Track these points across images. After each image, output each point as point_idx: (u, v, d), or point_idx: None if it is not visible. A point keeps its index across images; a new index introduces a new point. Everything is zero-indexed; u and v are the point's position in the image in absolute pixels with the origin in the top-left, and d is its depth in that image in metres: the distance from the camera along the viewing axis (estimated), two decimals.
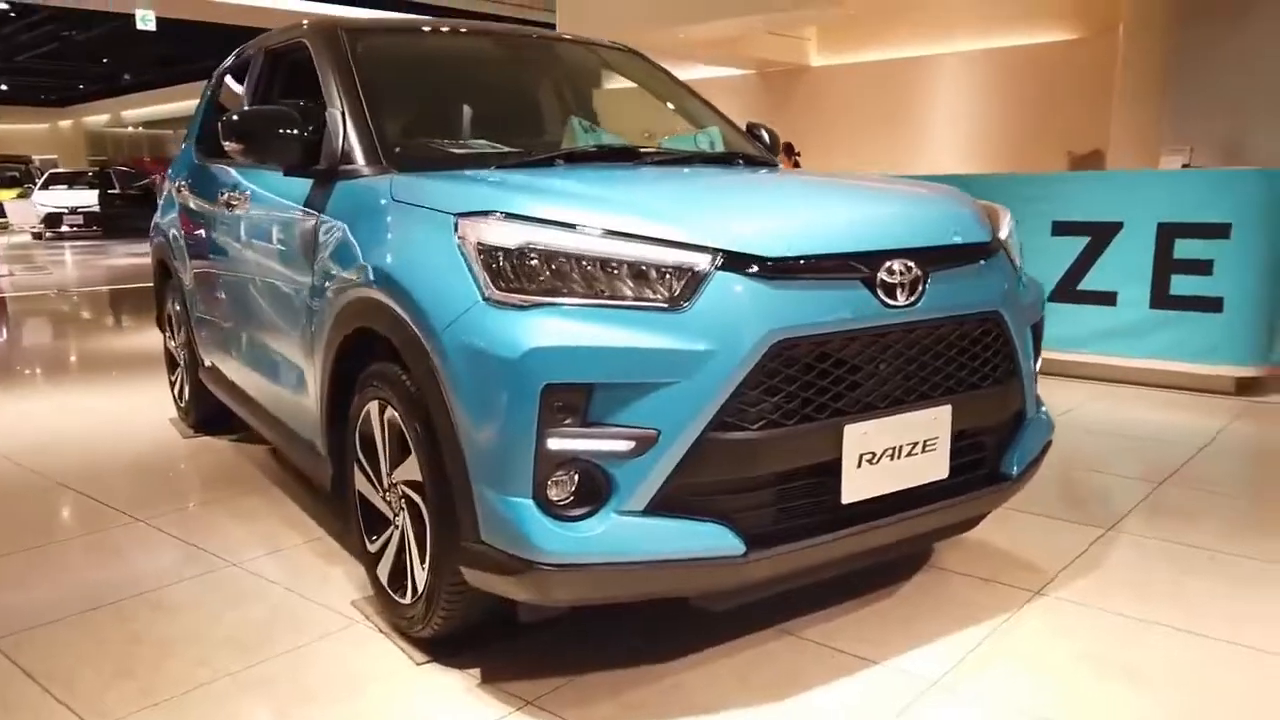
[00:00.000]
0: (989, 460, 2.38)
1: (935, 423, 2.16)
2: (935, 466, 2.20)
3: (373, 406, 2.33)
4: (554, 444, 1.85)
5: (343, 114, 2.67)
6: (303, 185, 2.74)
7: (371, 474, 2.42)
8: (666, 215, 1.99)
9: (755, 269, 1.93)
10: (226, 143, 2.64)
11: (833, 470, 2.03)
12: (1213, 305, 4.95)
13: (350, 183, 2.54)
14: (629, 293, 1.88)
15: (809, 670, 2.20)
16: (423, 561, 2.20)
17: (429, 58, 3.27)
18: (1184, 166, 5.55)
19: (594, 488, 1.89)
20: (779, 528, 2.01)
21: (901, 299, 2.07)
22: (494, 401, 1.86)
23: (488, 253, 1.95)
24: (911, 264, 2.09)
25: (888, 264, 2.06)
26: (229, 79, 4.16)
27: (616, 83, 3.59)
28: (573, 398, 1.84)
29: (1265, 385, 5.16)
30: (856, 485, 2.06)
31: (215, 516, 3.32)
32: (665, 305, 1.87)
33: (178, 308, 4.33)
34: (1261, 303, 4.89)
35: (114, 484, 3.73)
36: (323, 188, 2.63)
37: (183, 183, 4.16)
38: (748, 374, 1.88)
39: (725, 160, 3.08)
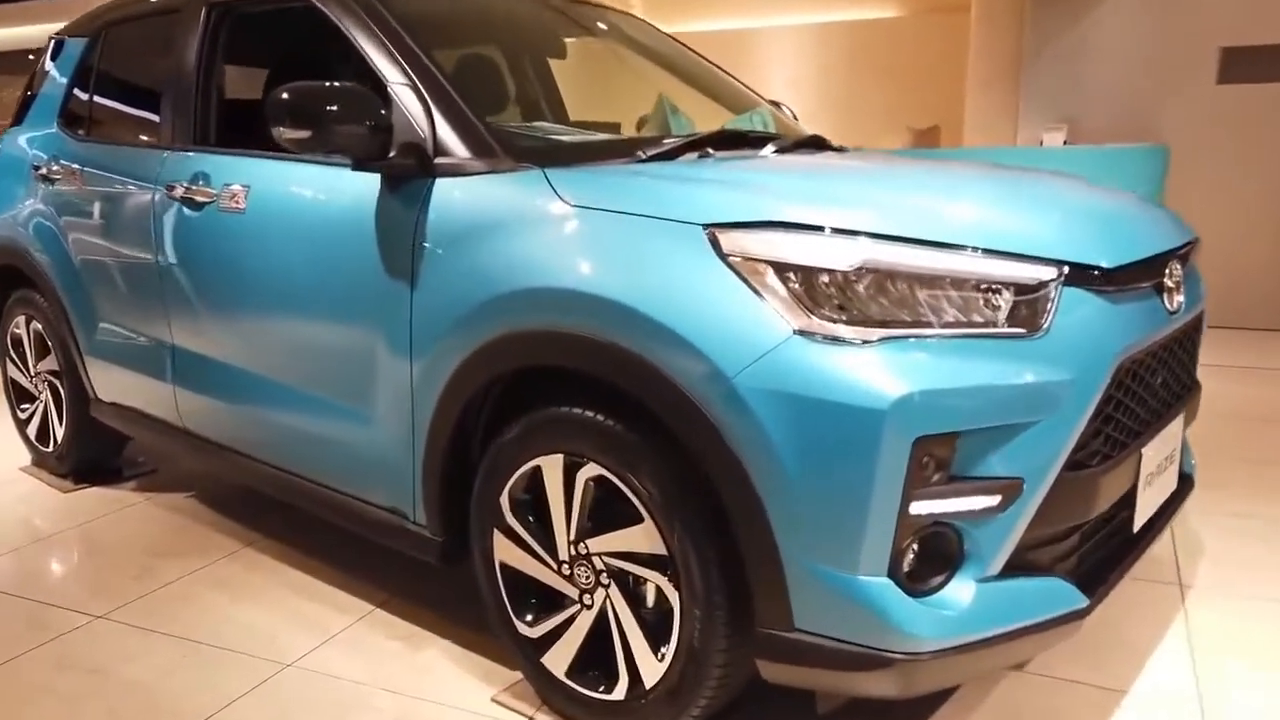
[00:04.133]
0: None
1: (1177, 432, 2.05)
2: (1173, 478, 2.09)
3: (548, 463, 1.87)
4: (918, 508, 1.52)
5: (418, 91, 2.11)
6: (367, 182, 2.15)
7: (538, 543, 1.95)
8: (999, 224, 1.69)
9: (1097, 281, 1.70)
10: (280, 128, 2.00)
11: (1130, 498, 1.85)
12: None
13: (468, 181, 2.01)
14: (982, 319, 1.58)
15: (1061, 708, 2.03)
16: (656, 649, 1.80)
17: (472, 19, 2.70)
18: (1065, 144, 5.91)
19: (943, 553, 1.59)
20: (1092, 569, 1.81)
21: (1174, 303, 1.92)
22: (837, 462, 1.51)
23: (797, 274, 1.57)
24: (1179, 265, 1.95)
25: (1169, 266, 1.90)
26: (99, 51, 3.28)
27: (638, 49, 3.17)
28: (942, 450, 1.53)
29: None
30: (1144, 510, 1.91)
31: (203, 597, 2.62)
32: (1024, 331, 1.59)
33: (46, 328, 3.41)
34: None
35: (20, 570, 2.87)
36: (408, 186, 2.07)
37: (59, 168, 3.25)
38: (1099, 402, 1.65)
39: (822, 146, 2.78)
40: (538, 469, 1.90)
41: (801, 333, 1.54)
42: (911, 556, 1.56)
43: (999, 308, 1.59)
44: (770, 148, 2.45)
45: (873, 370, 1.50)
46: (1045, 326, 1.60)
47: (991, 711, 2.01)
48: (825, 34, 9.40)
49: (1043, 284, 1.61)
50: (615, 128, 2.90)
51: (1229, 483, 3.35)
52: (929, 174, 2.24)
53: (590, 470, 1.81)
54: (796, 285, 1.57)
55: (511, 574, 2.02)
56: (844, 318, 1.55)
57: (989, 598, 1.59)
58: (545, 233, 1.85)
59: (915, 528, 1.54)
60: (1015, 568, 1.64)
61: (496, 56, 3.00)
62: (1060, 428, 1.60)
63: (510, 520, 1.98)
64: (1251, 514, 3.08)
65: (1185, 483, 2.27)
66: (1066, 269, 1.64)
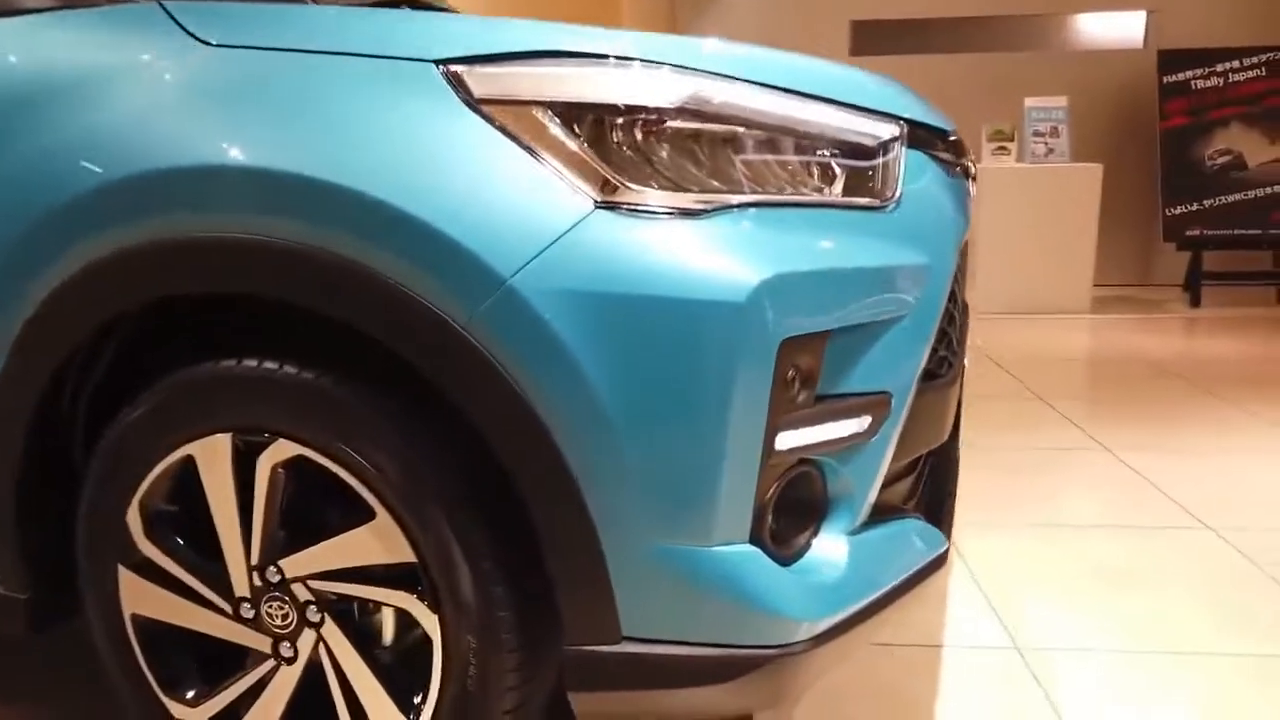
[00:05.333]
0: None
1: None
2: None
3: (207, 449, 1.21)
4: (785, 440, 1.09)
5: None
6: None
7: (197, 577, 1.27)
8: (828, 75, 1.29)
9: (938, 147, 1.38)
10: None
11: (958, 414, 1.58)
12: None
13: (33, 22, 1.27)
14: (826, 186, 1.18)
15: (891, 677, 1.73)
16: (407, 702, 1.21)
17: None
18: None
19: (807, 501, 1.18)
20: (931, 501, 1.50)
21: (974, 193, 1.68)
22: (676, 386, 1.03)
23: (594, 121, 1.07)
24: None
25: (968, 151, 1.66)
26: None
27: None
28: (809, 358, 1.11)
29: None
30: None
31: None
32: (877, 202, 1.21)
33: None
34: None
35: None
36: None
37: None
38: (949, 292, 1.33)
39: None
40: (189, 461, 1.23)
41: (607, 205, 1.05)
42: (773, 511, 1.13)
43: (840, 173, 1.20)
44: None
45: (719, 250, 1.05)
46: (894, 198, 1.24)
47: (819, 697, 1.66)
48: None
49: (890, 141, 1.25)
50: None
51: None
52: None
53: (279, 451, 1.18)
54: (593, 137, 1.07)
55: (154, 630, 1.31)
56: (662, 183, 1.08)
57: (861, 554, 1.20)
58: (175, 88, 1.18)
59: (780, 470, 1.12)
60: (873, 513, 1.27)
61: None
62: (922, 325, 1.24)
63: (146, 548, 1.28)
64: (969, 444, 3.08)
65: None
66: (905, 127, 1.30)
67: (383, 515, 1.15)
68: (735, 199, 1.09)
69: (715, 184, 1.09)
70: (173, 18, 1.22)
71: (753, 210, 1.09)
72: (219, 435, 1.21)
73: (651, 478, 1.05)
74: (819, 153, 1.18)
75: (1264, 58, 6.28)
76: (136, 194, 1.14)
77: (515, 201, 1.06)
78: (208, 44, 1.19)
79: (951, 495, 1.58)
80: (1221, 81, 6.32)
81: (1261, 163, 6.28)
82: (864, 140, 1.21)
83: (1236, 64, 6.30)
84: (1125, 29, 7.17)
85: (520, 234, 1.04)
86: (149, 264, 1.16)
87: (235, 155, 1.11)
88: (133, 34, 1.23)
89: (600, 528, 1.07)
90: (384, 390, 1.15)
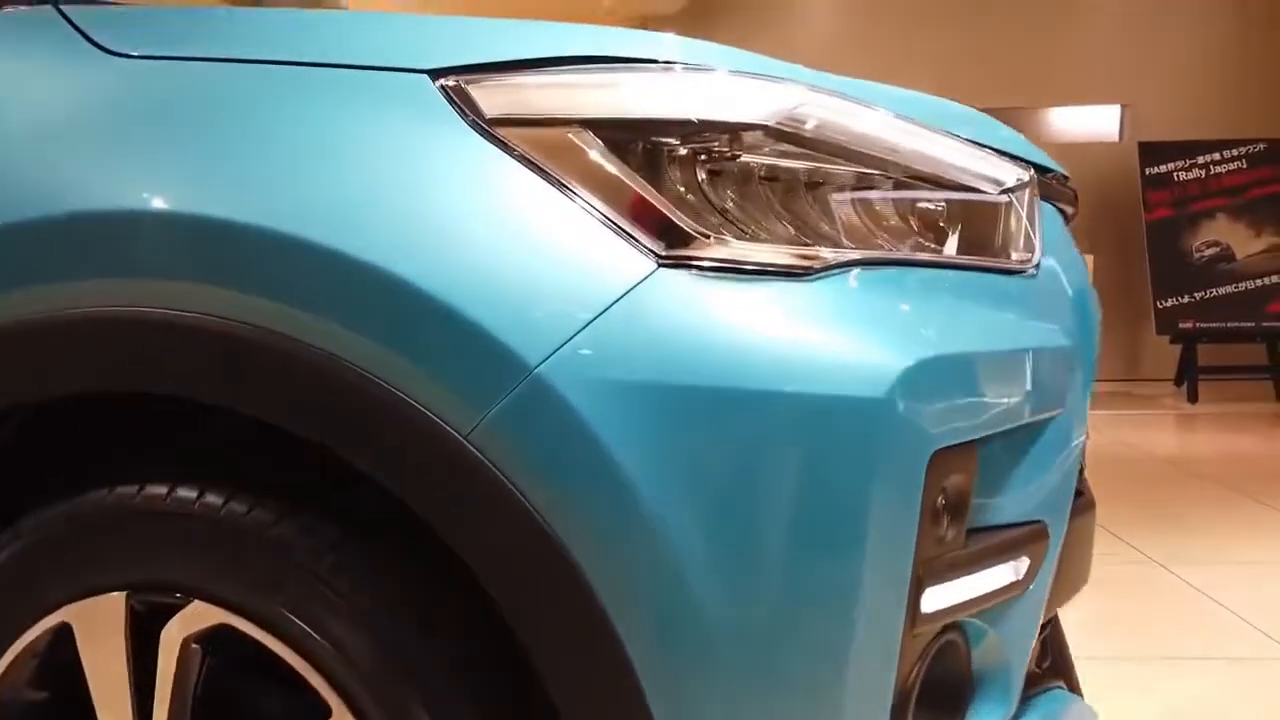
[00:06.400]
0: None
1: None
2: None
3: (88, 615, 0.85)
4: (932, 599, 0.76)
5: None
6: None
7: None
8: (945, 108, 0.99)
9: (1064, 199, 1.09)
10: None
11: None
12: None
13: None
14: (957, 245, 0.88)
15: None
16: None
17: None
18: None
19: (952, 683, 0.84)
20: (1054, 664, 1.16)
21: None
22: (780, 522, 0.70)
23: (650, 146, 0.76)
24: None
25: None
26: None
27: None
28: (961, 480, 0.78)
29: None
30: None
31: None
32: (1020, 266, 0.91)
33: None
34: None
35: None
36: None
37: None
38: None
39: None
40: (64, 630, 0.86)
41: (674, 262, 0.73)
42: (914, 704, 0.79)
43: (969, 227, 0.90)
44: None
45: (838, 325, 0.73)
46: (1036, 260, 0.94)
47: None
48: None
49: (1026, 187, 0.95)
50: None
51: None
52: None
53: (195, 618, 0.82)
54: (651, 167, 0.76)
55: None
56: (747, 232, 0.77)
57: None
58: (69, 110, 0.86)
59: (924, 641, 0.78)
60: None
61: None
62: (1074, 430, 0.94)
63: None
64: None
65: None
66: (1034, 174, 1.00)
67: (341, 713, 0.79)
68: (847, 255, 0.78)
69: (820, 233, 0.78)
70: (72, 24, 0.91)
71: (872, 271, 0.78)
72: (110, 594, 0.84)
73: (743, 661, 0.71)
74: (943, 200, 0.88)
75: (1244, 150, 6.26)
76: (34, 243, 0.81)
77: (544, 259, 0.74)
78: (121, 55, 0.87)
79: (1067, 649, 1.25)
80: (1204, 173, 6.27)
81: (1250, 254, 6.19)
82: (1000, 185, 0.91)
83: (1218, 156, 6.27)
84: (1100, 123, 7.18)
85: (552, 304, 0.72)
86: (15, 351, 0.82)
87: (147, 198, 0.79)
88: (17, 44, 0.91)
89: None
90: (348, 531, 0.80)
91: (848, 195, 0.82)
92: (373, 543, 0.80)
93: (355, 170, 0.78)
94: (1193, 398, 6.02)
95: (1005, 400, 0.81)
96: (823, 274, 0.75)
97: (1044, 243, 0.95)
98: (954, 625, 0.81)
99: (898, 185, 0.84)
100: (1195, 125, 6.48)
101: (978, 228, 0.89)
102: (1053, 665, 1.11)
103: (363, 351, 0.73)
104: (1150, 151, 6.33)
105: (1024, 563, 0.84)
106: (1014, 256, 0.89)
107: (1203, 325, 6.11)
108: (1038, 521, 0.86)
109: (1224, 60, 6.87)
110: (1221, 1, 6.89)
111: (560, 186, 0.75)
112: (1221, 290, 6.13)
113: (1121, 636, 2.25)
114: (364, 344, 0.74)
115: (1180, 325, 6.15)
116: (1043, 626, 1.12)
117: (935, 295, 0.81)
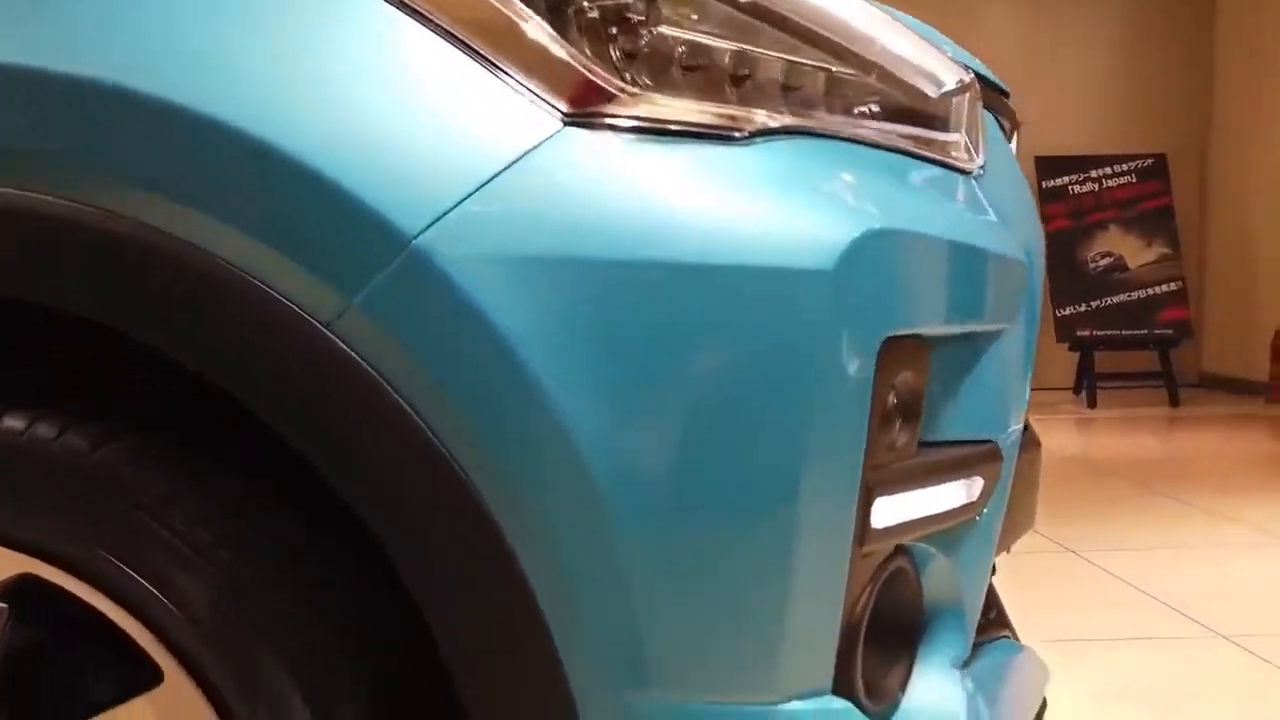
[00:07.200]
0: None
1: None
2: None
3: None
4: (884, 512, 0.65)
5: None
6: None
7: None
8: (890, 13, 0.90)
9: (1003, 114, 1.02)
10: None
11: None
12: None
13: None
14: (905, 125, 0.78)
15: None
16: None
17: None
18: None
19: (903, 614, 0.73)
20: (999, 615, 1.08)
21: None
22: (708, 414, 0.59)
23: None
24: None
25: None
26: None
27: None
28: (914, 377, 0.68)
29: None
30: None
31: None
32: (963, 164, 0.82)
33: None
34: None
35: None
36: None
37: None
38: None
39: None
40: None
41: (582, 119, 0.62)
42: (865, 633, 0.68)
43: (914, 118, 0.81)
44: None
45: (776, 192, 0.63)
46: (980, 164, 0.85)
47: None
48: None
49: (969, 88, 0.86)
50: None
51: None
52: None
53: None
54: (555, 15, 0.65)
55: None
56: (669, 89, 0.66)
57: (982, 703, 0.76)
58: None
59: (875, 563, 0.67)
60: None
61: None
62: (1025, 348, 0.85)
63: None
64: None
65: None
66: (975, 80, 0.92)
67: (176, 677, 0.64)
68: (782, 120, 0.67)
69: (750, 96, 0.68)
70: None
71: (810, 141, 0.68)
72: None
73: (669, 584, 0.59)
74: (888, 88, 0.78)
75: (1134, 165, 6.48)
76: None
77: (429, 117, 0.62)
78: None
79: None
80: (1097, 187, 6.47)
81: (1141, 264, 6.39)
82: (943, 82, 0.82)
83: (1109, 170, 6.48)
84: None
85: (437, 168, 0.60)
86: None
87: None
88: None
89: (573, 675, 0.59)
90: (184, 455, 0.66)
91: (783, 62, 0.71)
92: (215, 467, 0.66)
93: (207, 16, 0.65)
94: (1092, 403, 6.16)
95: (958, 295, 0.71)
96: (756, 138, 0.65)
97: (989, 151, 0.87)
98: (904, 550, 0.71)
99: (836, 56, 0.74)
100: (1088, 140, 6.70)
101: (920, 119, 0.80)
102: (998, 616, 1.02)
103: (204, 228, 0.60)
104: (1046, 166, 6.50)
105: (977, 483, 0.74)
106: (957, 155, 0.80)
107: (1099, 333, 6.27)
108: (990, 441, 0.77)
109: (1114, 77, 7.14)
110: (1113, 21, 7.16)
111: (448, 36, 0.63)
112: (1115, 299, 6.32)
113: (1042, 620, 2.21)
114: (206, 220, 0.60)
115: (1078, 333, 6.30)
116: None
117: (880, 175, 0.71)
